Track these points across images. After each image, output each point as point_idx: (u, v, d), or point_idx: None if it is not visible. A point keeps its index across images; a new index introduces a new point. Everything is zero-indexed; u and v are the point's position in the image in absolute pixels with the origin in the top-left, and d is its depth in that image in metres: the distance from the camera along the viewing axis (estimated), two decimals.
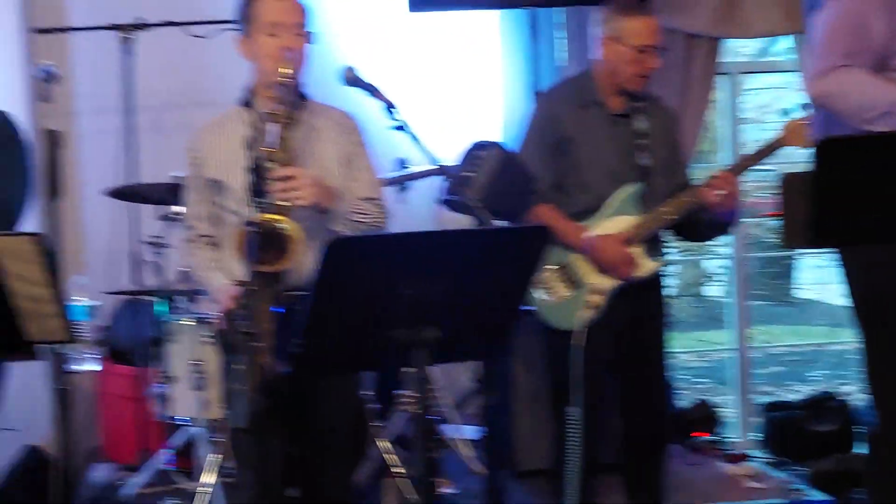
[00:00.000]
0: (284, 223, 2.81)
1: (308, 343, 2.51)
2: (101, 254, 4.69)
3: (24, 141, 3.01)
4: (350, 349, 2.61)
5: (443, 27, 5.04)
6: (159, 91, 4.86)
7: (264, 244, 2.76)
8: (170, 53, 4.80)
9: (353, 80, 3.03)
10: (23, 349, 2.45)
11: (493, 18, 5.02)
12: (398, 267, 2.50)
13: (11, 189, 2.89)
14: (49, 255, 2.35)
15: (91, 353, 2.92)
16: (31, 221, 3.04)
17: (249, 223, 2.72)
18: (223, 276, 3.06)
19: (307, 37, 3.03)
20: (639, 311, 3.71)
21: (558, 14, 4.91)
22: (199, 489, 4.07)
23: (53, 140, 2.74)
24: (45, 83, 2.78)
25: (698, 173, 4.30)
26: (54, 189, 2.75)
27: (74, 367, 2.90)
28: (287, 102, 2.91)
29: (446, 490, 4.30)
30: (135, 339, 4.60)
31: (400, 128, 2.98)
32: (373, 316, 2.53)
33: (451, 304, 2.54)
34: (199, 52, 4.69)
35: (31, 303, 2.35)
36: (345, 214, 3.00)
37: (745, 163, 3.69)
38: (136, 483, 4.32)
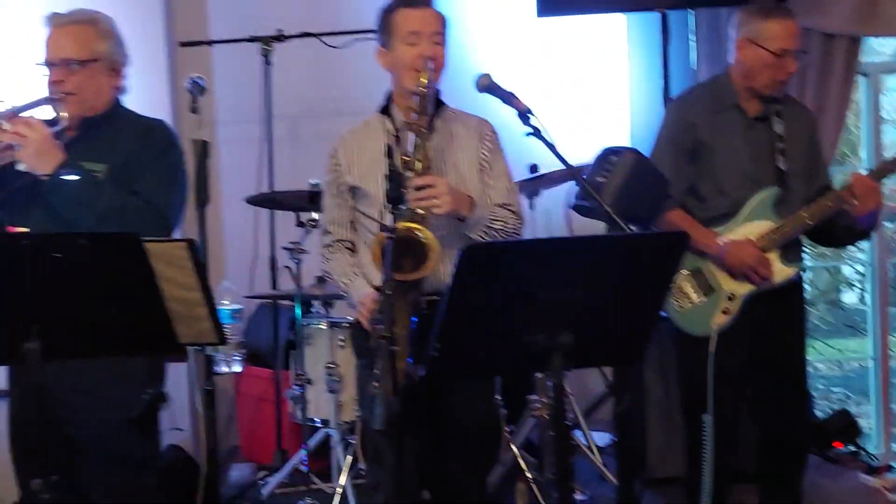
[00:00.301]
0: (422, 232, 2.85)
1: (444, 347, 2.55)
2: (239, 259, 4.83)
3: (180, 149, 3.13)
4: (485, 353, 2.64)
5: (570, 31, 5.05)
6: (296, 101, 4.99)
7: (402, 252, 2.80)
8: (306, 64, 4.93)
9: (487, 87, 3.06)
10: (175, 351, 2.56)
11: (620, 22, 5.01)
12: (533, 272, 2.52)
13: (171, 198, 3.01)
14: (200, 260, 2.44)
15: (235, 356, 3.02)
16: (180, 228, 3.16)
17: (387, 231, 2.77)
18: (362, 281, 3.12)
19: (444, 45, 3.07)
20: (775, 318, 3.64)
21: (689, 16, 4.86)
22: (335, 490, 4.17)
23: (202, 149, 2.85)
24: (193, 94, 2.89)
25: (837, 177, 4.20)
26: (202, 197, 2.85)
27: (219, 369, 2.99)
28: (425, 111, 2.97)
29: (579, 496, 4.30)
30: (272, 342, 4.73)
31: (534, 133, 2.99)
32: (508, 321, 2.56)
33: (585, 310, 2.54)
34: (334, 63, 4.81)
35: (184, 306, 2.44)
36: (481, 221, 3.04)
37: (887, 167, 3.60)
38: (273, 483, 4.44)
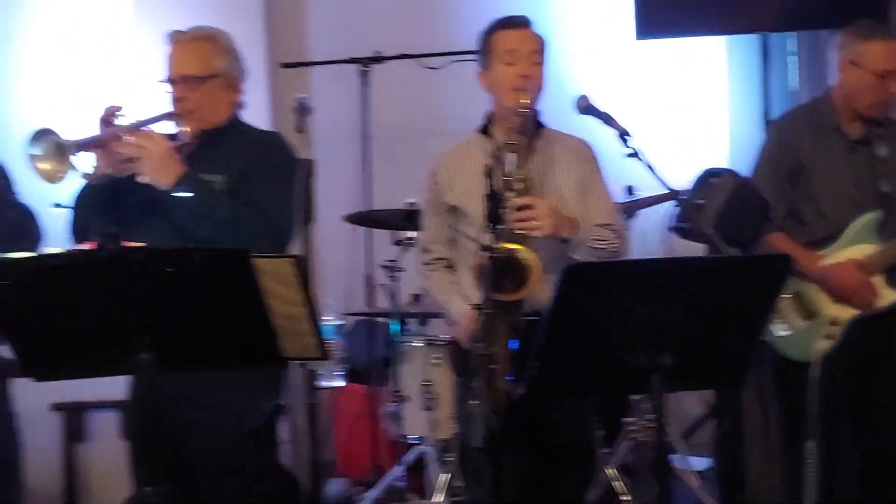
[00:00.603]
0: (523, 253, 2.87)
1: (544, 366, 2.56)
2: (336, 277, 4.89)
3: (295, 162, 3.17)
4: (584, 373, 2.65)
5: (669, 54, 5.03)
6: (393, 121, 5.04)
7: (502, 273, 2.82)
8: (404, 84, 4.98)
9: (586, 109, 3.07)
10: (279, 365, 2.61)
11: (719, 45, 4.98)
12: (635, 293, 2.52)
13: (287, 209, 3.04)
14: (305, 276, 2.48)
15: (336, 371, 3.07)
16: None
17: (488, 251, 2.79)
18: (460, 299, 3.14)
19: (542, 65, 3.09)
20: (880, 343, 3.58)
21: (789, 39, 4.81)
22: None
23: (307, 168, 2.91)
24: (299, 115, 2.95)
25: None
26: (308, 215, 2.90)
27: (321, 384, 3.04)
28: (524, 132, 2.99)
29: None
30: (369, 358, 4.77)
31: (633, 155, 2.99)
32: (608, 341, 2.56)
33: (686, 332, 2.54)
34: (431, 83, 4.86)
35: (289, 321, 2.49)
36: (584, 242, 3.04)
37: None
38: (369, 498, 4.47)
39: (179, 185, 3.02)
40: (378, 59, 4.69)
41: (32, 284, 2.39)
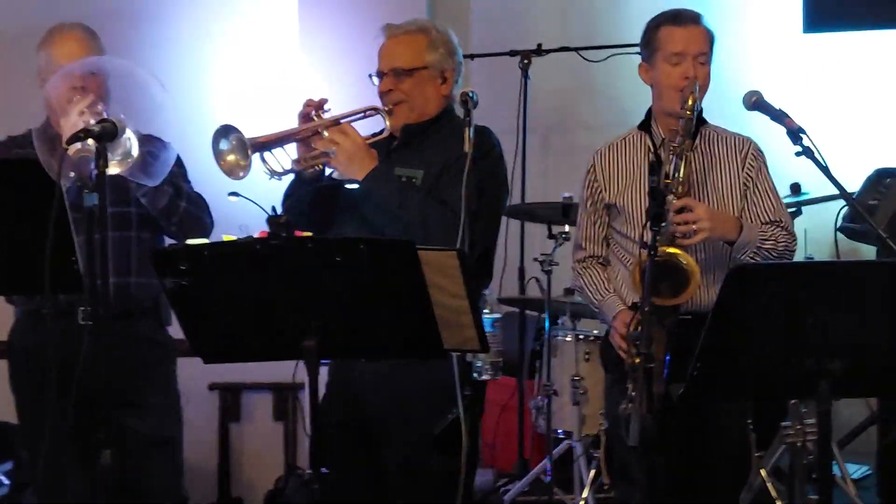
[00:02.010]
0: (683, 258, 2.82)
1: (704, 368, 2.52)
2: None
3: (499, 156, 3.17)
4: (746, 377, 2.59)
5: (838, 48, 4.87)
6: (549, 113, 5.03)
7: (661, 276, 2.78)
8: (562, 77, 4.97)
9: (756, 105, 3.00)
10: (439, 356, 2.64)
11: (891, 37, 4.79)
12: (802, 296, 2.46)
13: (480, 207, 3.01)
14: (468, 269, 2.49)
15: (493, 364, 3.08)
16: None
17: (648, 254, 2.74)
18: (615, 298, 3.11)
19: (709, 64, 3.02)
20: None
21: None
22: (576, 502, 4.17)
23: (472, 162, 2.91)
24: (466, 108, 2.94)
25: None
26: (470, 207, 2.90)
27: (478, 377, 3.05)
28: (687, 133, 2.92)
29: None
30: (517, 351, 4.78)
31: (804, 153, 2.91)
32: (773, 345, 2.50)
33: (857, 337, 2.46)
34: (589, 77, 4.83)
35: (450, 313, 2.51)
36: (751, 242, 2.97)
37: None
38: (514, 491, 4.48)
39: (372, 180, 3.01)
40: (539, 52, 4.68)
41: (206, 270, 2.46)
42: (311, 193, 3.13)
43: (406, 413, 3.04)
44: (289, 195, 3.17)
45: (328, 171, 3.13)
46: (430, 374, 2.95)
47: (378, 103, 3.17)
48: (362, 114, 3.14)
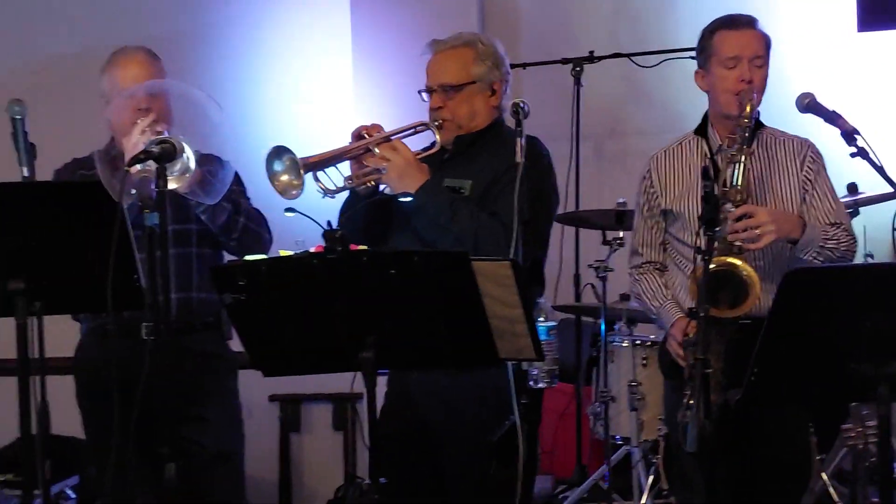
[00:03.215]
0: (743, 268, 2.80)
1: (762, 372, 2.52)
2: (546, 275, 4.92)
3: (548, 167, 3.21)
4: (804, 381, 2.59)
5: (894, 46, 4.80)
6: (602, 120, 5.03)
7: (721, 287, 2.76)
8: (615, 83, 4.96)
9: (810, 107, 2.98)
10: (494, 365, 2.66)
11: None
12: (861, 298, 2.45)
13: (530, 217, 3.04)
14: (522, 279, 2.51)
15: (549, 372, 3.09)
16: None
17: (703, 259, 2.73)
18: (673, 304, 3.10)
19: (766, 67, 3.01)
20: None
21: None
22: None
23: (521, 171, 2.92)
24: (517, 117, 2.97)
25: None
26: (524, 216, 2.92)
27: (534, 385, 3.07)
28: (744, 139, 2.91)
29: None
30: (574, 357, 4.78)
31: (859, 154, 2.89)
32: (831, 348, 2.50)
33: None
34: (642, 82, 4.83)
35: (505, 322, 2.52)
36: (815, 241, 2.93)
37: None
38: (573, 497, 4.48)
39: (423, 194, 3.05)
40: (591, 59, 4.68)
41: (265, 284, 2.51)
42: (365, 209, 3.17)
43: (463, 421, 3.07)
44: (344, 211, 3.22)
45: (382, 187, 3.17)
46: (486, 382, 2.98)
47: (427, 118, 3.21)
48: (412, 130, 3.19)
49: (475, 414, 3.05)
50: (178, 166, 2.91)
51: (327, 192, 3.08)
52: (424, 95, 3.23)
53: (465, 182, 3.13)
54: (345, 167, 3.16)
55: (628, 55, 4.70)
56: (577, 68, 4.67)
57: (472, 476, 3.06)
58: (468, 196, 3.12)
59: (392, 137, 3.14)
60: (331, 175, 3.10)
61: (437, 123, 3.18)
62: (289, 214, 3.09)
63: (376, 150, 3.10)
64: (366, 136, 3.14)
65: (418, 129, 3.20)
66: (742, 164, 2.88)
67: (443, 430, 3.10)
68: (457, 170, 3.17)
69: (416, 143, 3.22)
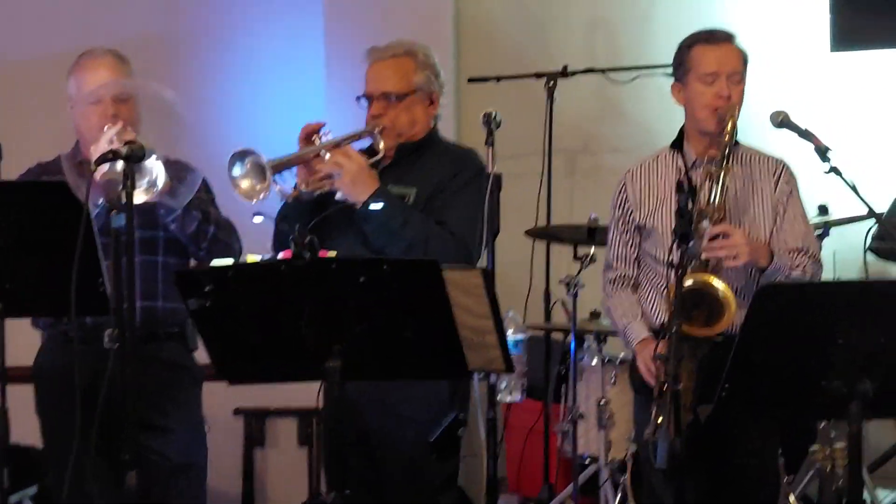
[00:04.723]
0: (721, 288, 2.79)
1: (733, 388, 2.50)
2: (513, 290, 4.89)
3: (486, 182, 3.20)
4: (775, 397, 2.58)
5: (866, 67, 4.82)
6: (575, 135, 5.02)
7: (695, 303, 2.76)
8: (588, 99, 4.95)
9: (783, 124, 2.99)
10: (464, 376, 2.63)
11: None
12: (832, 316, 2.44)
13: (476, 228, 3.07)
14: (493, 289, 2.49)
15: (516, 385, 3.07)
16: None
17: (676, 273, 2.72)
18: (641, 324, 3.09)
19: (743, 83, 3.01)
20: None
21: None
22: None
23: (495, 182, 2.92)
24: (489, 128, 2.97)
25: None
26: (493, 228, 2.92)
27: (501, 398, 3.05)
28: (721, 156, 2.91)
29: None
30: (542, 374, 4.75)
31: (833, 171, 2.89)
32: (802, 365, 2.49)
33: (888, 357, 2.43)
34: (615, 98, 4.82)
35: (475, 333, 2.50)
36: (781, 270, 2.96)
37: None
38: None
39: (373, 201, 3.07)
40: (565, 74, 4.67)
41: (232, 290, 2.47)
42: (303, 215, 3.15)
43: (405, 418, 3.08)
44: (284, 217, 3.20)
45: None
46: (423, 383, 3.00)
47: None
48: (358, 137, 3.22)
49: (415, 414, 3.07)
50: (145, 178, 2.88)
51: (287, 198, 3.10)
52: (363, 102, 3.25)
53: (409, 189, 3.17)
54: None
55: (602, 70, 4.69)
56: (551, 83, 4.65)
57: (412, 476, 3.08)
58: (412, 204, 3.16)
59: (342, 143, 3.17)
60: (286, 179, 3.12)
61: (377, 131, 3.20)
62: (257, 220, 3.05)
63: (327, 156, 3.11)
64: (315, 139, 3.16)
65: (363, 136, 3.24)
66: (722, 182, 2.88)
67: (385, 432, 3.10)
68: (398, 178, 3.20)
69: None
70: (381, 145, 3.20)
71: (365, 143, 3.28)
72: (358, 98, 3.26)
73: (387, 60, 3.24)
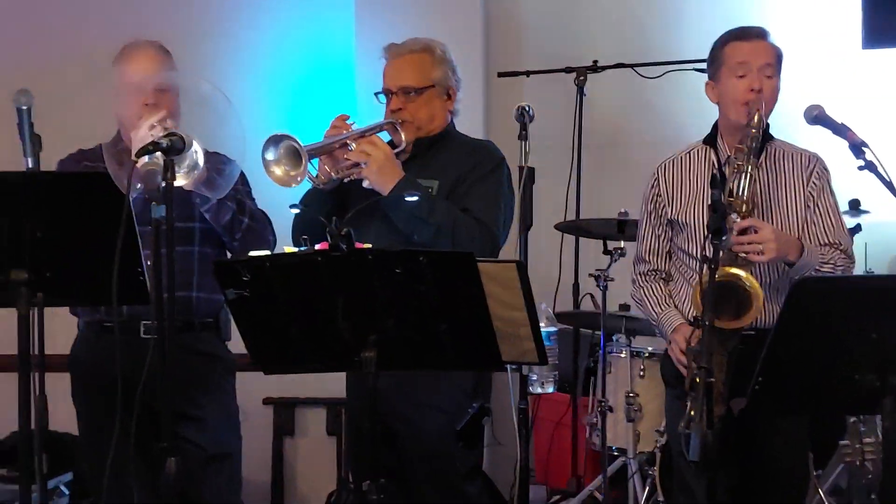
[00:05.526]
0: (747, 279, 2.80)
1: (767, 381, 2.50)
2: (544, 283, 4.90)
3: (507, 169, 3.27)
4: (809, 391, 2.58)
5: None
6: (605, 130, 5.03)
7: (724, 297, 2.76)
8: (618, 94, 4.96)
9: (819, 118, 2.98)
10: (498, 368, 2.64)
11: None
12: (867, 310, 2.44)
13: (497, 216, 3.13)
14: (527, 282, 2.50)
15: (548, 377, 3.09)
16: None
17: (709, 267, 2.73)
18: (675, 312, 3.10)
19: (776, 78, 3.01)
20: None
21: None
22: None
23: (528, 176, 2.94)
24: (522, 122, 2.99)
25: None
26: (527, 222, 2.94)
27: (533, 390, 3.07)
28: (753, 150, 2.91)
29: None
30: (571, 367, 4.76)
31: (867, 167, 2.88)
32: (836, 359, 2.49)
33: None
34: (645, 93, 4.82)
35: (509, 325, 2.52)
36: (810, 265, 2.95)
37: None
38: None
39: (400, 189, 3.12)
40: (594, 69, 4.68)
41: (269, 281, 2.49)
42: (327, 203, 3.22)
43: (430, 407, 3.13)
44: (306, 205, 3.24)
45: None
46: (447, 374, 3.06)
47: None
48: (380, 129, 3.29)
49: (441, 403, 3.12)
50: (186, 162, 2.89)
51: (318, 184, 3.16)
52: (382, 97, 3.32)
53: (432, 181, 3.23)
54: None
55: (632, 65, 4.69)
56: (581, 77, 4.66)
57: (437, 464, 3.13)
58: (436, 194, 3.21)
59: (366, 134, 3.23)
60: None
61: (396, 124, 3.28)
62: (294, 211, 3.09)
63: (353, 145, 3.17)
64: (343, 129, 3.22)
65: (385, 127, 3.30)
66: (748, 175, 2.88)
67: (411, 420, 3.14)
68: (420, 171, 3.25)
69: None
70: (403, 137, 3.27)
71: (384, 137, 3.32)
72: (377, 94, 3.34)
73: (405, 56, 3.32)
